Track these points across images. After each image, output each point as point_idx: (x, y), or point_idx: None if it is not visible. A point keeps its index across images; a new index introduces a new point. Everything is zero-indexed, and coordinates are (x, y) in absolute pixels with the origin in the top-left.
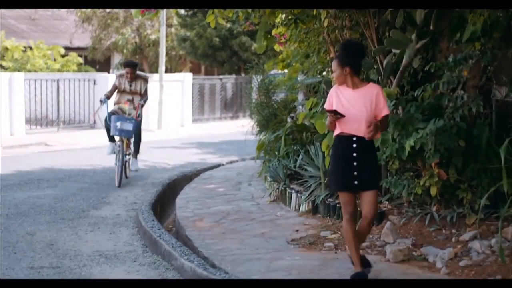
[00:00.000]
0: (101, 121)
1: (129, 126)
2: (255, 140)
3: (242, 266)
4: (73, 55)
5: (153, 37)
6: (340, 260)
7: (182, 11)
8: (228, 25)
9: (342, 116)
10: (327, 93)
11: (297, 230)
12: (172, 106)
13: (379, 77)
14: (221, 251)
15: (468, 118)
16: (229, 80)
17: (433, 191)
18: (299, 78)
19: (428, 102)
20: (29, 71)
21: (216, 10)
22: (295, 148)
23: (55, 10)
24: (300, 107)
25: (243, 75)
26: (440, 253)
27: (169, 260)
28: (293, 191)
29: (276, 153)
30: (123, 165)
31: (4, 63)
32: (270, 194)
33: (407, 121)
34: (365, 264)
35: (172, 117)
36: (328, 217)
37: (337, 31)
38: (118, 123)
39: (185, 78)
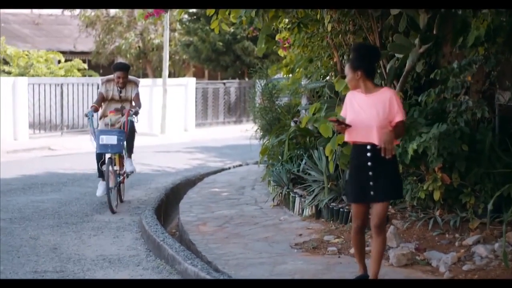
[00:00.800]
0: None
1: (113, 139)
2: (258, 144)
3: (245, 270)
4: (76, 60)
5: (156, 41)
6: (343, 264)
7: (185, 17)
8: (232, 29)
9: (347, 126)
10: (331, 97)
11: (300, 235)
12: (176, 111)
13: (382, 82)
14: (224, 255)
15: (472, 122)
16: (233, 85)
17: (436, 195)
18: (302, 83)
19: (432, 107)
20: (33, 76)
21: (220, 16)
22: (298, 152)
23: (58, 14)
24: (304, 111)
25: (246, 79)
26: (443, 257)
27: (172, 264)
28: (296, 196)
29: (280, 157)
30: (117, 186)
31: (7, 68)
32: (273, 199)
33: (410, 126)
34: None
35: (175, 122)
36: (331, 222)
37: (340, 35)
38: (103, 138)
39: (189, 83)
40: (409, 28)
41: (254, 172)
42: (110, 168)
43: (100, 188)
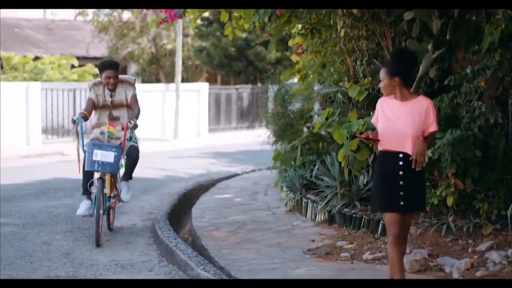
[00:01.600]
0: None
1: (109, 156)
2: (271, 150)
3: (258, 276)
4: (89, 66)
5: (169, 47)
6: (356, 270)
7: (198, 22)
8: (244, 35)
9: (376, 140)
10: (344, 103)
11: (313, 240)
12: (189, 116)
13: None
14: (237, 261)
15: (485, 128)
16: (245, 90)
17: (450, 201)
18: (315, 88)
19: (445, 112)
20: (45, 81)
21: (234, 22)
22: (311, 158)
23: (71, 20)
24: (316, 116)
25: (259, 85)
26: (456, 263)
27: (185, 270)
28: (309, 201)
29: (292, 163)
30: (106, 212)
31: (18, 74)
32: (286, 204)
33: None
34: None
35: (188, 127)
36: (344, 227)
37: (353, 41)
38: (97, 153)
39: (201, 88)
40: (422, 33)
41: (266, 178)
42: (99, 191)
43: (83, 207)
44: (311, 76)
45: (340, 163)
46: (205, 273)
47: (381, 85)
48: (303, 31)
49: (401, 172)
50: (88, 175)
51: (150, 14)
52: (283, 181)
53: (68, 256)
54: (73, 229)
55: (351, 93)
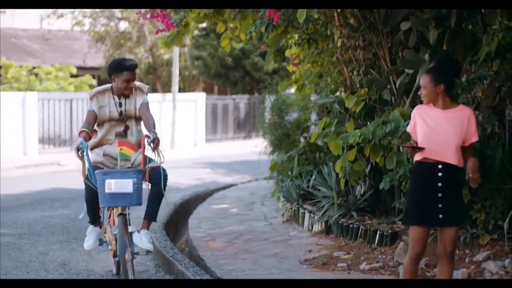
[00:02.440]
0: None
1: (127, 186)
2: (268, 160)
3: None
4: (87, 76)
5: (166, 56)
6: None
7: (195, 32)
8: (241, 45)
9: (421, 148)
10: (340, 113)
11: (310, 251)
12: (185, 126)
13: (392, 97)
14: (233, 271)
15: (482, 138)
16: (242, 100)
17: None
18: (312, 98)
19: None
20: (42, 91)
21: (230, 33)
22: (308, 168)
23: (68, 30)
24: (313, 127)
25: (256, 95)
26: (453, 273)
27: None
28: (306, 211)
29: (289, 173)
30: (126, 254)
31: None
32: (283, 214)
33: None
34: None
35: (185, 137)
36: (341, 237)
37: (350, 51)
38: (110, 183)
39: (198, 98)
40: (419, 43)
41: (263, 188)
42: (125, 229)
43: (91, 239)
44: (308, 87)
45: (337, 173)
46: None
47: (422, 92)
48: (299, 41)
49: (439, 184)
50: (92, 201)
51: (147, 24)
52: (280, 191)
53: (65, 266)
54: (70, 239)
55: (348, 104)
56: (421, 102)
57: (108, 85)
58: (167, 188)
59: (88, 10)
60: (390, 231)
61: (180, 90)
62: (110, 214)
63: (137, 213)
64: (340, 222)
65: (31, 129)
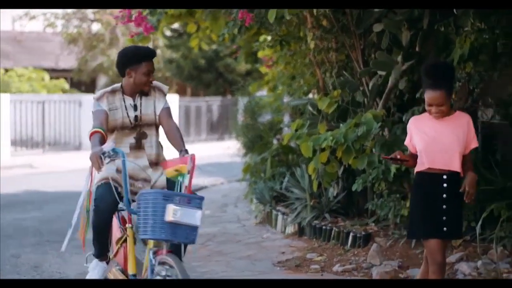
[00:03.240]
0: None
1: (196, 217)
2: (241, 162)
3: None
4: (60, 80)
5: None
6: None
7: (168, 33)
8: (214, 46)
9: (405, 161)
10: (313, 115)
11: (283, 252)
12: None
13: (365, 99)
14: (206, 273)
15: None
16: (215, 102)
17: None
18: (285, 100)
19: None
20: (14, 93)
21: (201, 34)
22: (281, 170)
23: (40, 31)
24: (286, 128)
25: (229, 97)
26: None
27: None
28: (279, 213)
29: (262, 175)
30: None
31: None
32: (256, 216)
33: (393, 143)
34: None
35: None
36: (314, 239)
37: (323, 53)
38: (176, 211)
39: (171, 100)
40: (392, 45)
41: (236, 190)
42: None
43: (95, 276)
44: (280, 88)
45: (310, 175)
46: None
47: (440, 109)
48: (272, 43)
49: (444, 195)
50: (105, 229)
51: (120, 26)
52: (253, 193)
53: (37, 269)
54: (42, 242)
55: (321, 105)
56: (393, 104)
57: (117, 85)
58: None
59: (60, 12)
60: (363, 233)
61: None
62: (118, 249)
63: None
64: (313, 224)
65: (3, 131)
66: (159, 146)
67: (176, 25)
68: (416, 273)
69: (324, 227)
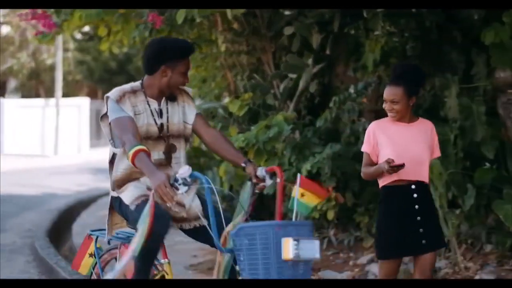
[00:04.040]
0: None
1: (316, 250)
2: None
3: None
4: None
5: (49, 61)
6: None
7: (78, 36)
8: (125, 49)
9: (402, 166)
10: (225, 118)
11: (195, 256)
12: (69, 131)
13: (276, 102)
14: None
15: None
16: None
17: (330, 215)
18: (196, 103)
19: (325, 127)
20: None
21: (112, 37)
22: None
23: None
24: None
25: None
26: (337, 277)
27: None
28: None
29: None
30: None
31: None
32: None
33: (304, 145)
34: None
35: (68, 143)
36: None
37: (234, 56)
38: (296, 245)
39: (82, 103)
40: (303, 48)
41: None
42: None
43: None
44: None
45: (221, 178)
46: None
47: (393, 107)
48: None
49: (417, 206)
50: (154, 259)
51: (30, 29)
52: None
53: None
54: None
55: (232, 108)
56: (304, 106)
57: (136, 84)
58: (51, 194)
59: None
60: None
61: (63, 95)
62: None
63: None
64: None
65: None
66: (186, 160)
67: (86, 28)
68: (328, 275)
69: None
